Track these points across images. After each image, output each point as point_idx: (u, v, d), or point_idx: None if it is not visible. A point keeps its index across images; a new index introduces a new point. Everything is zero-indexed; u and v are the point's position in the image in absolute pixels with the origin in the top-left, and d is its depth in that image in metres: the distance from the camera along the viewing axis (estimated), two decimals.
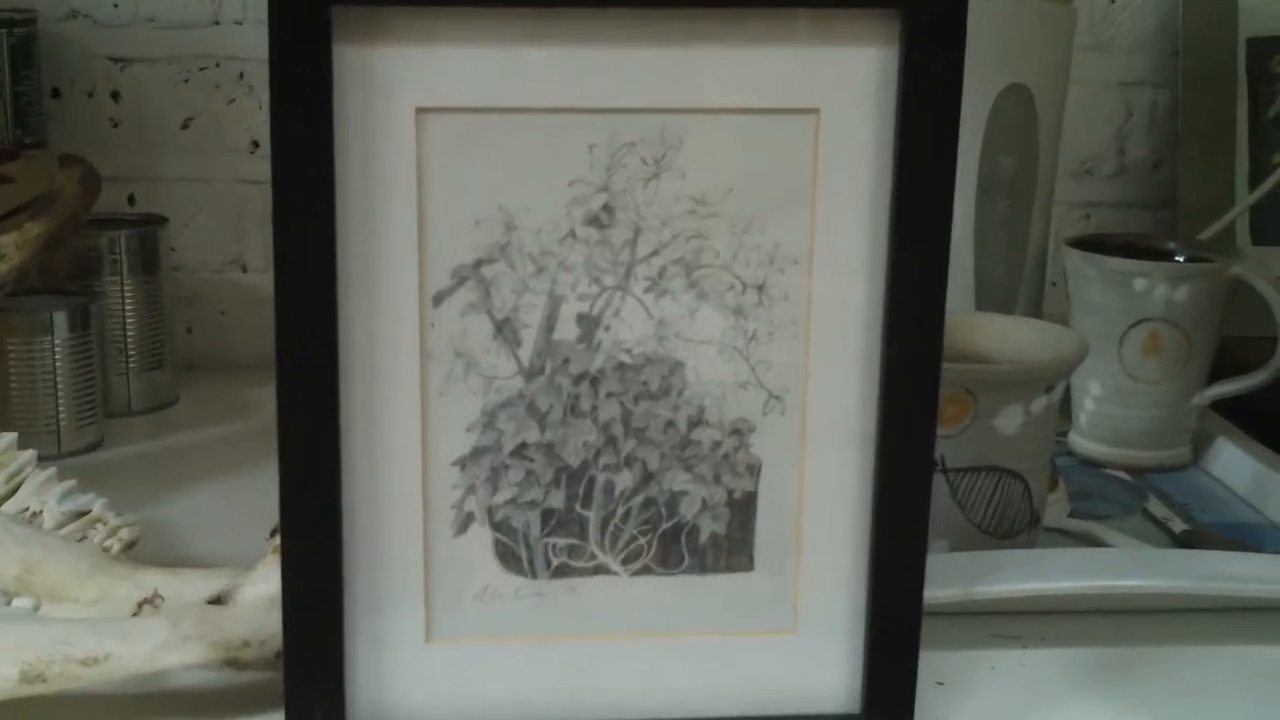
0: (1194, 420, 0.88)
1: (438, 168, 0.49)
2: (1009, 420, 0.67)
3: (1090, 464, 0.89)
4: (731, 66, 0.49)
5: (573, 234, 0.51)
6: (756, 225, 0.51)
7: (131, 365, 1.00)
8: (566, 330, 0.51)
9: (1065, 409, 0.91)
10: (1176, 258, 0.89)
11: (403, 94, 0.49)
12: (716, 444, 0.53)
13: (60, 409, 0.90)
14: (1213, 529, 0.79)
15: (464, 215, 0.50)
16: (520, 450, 0.52)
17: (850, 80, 0.50)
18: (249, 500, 0.78)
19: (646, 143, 0.50)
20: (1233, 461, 0.87)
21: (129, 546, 0.67)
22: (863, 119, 0.50)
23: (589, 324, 0.51)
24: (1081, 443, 0.90)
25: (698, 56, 0.49)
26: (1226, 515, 0.82)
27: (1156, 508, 0.82)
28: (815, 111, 0.50)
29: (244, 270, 1.11)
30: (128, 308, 0.99)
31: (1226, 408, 0.91)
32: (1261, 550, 0.75)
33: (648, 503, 0.53)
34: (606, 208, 0.50)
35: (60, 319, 0.90)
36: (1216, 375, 0.88)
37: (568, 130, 0.50)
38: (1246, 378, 0.87)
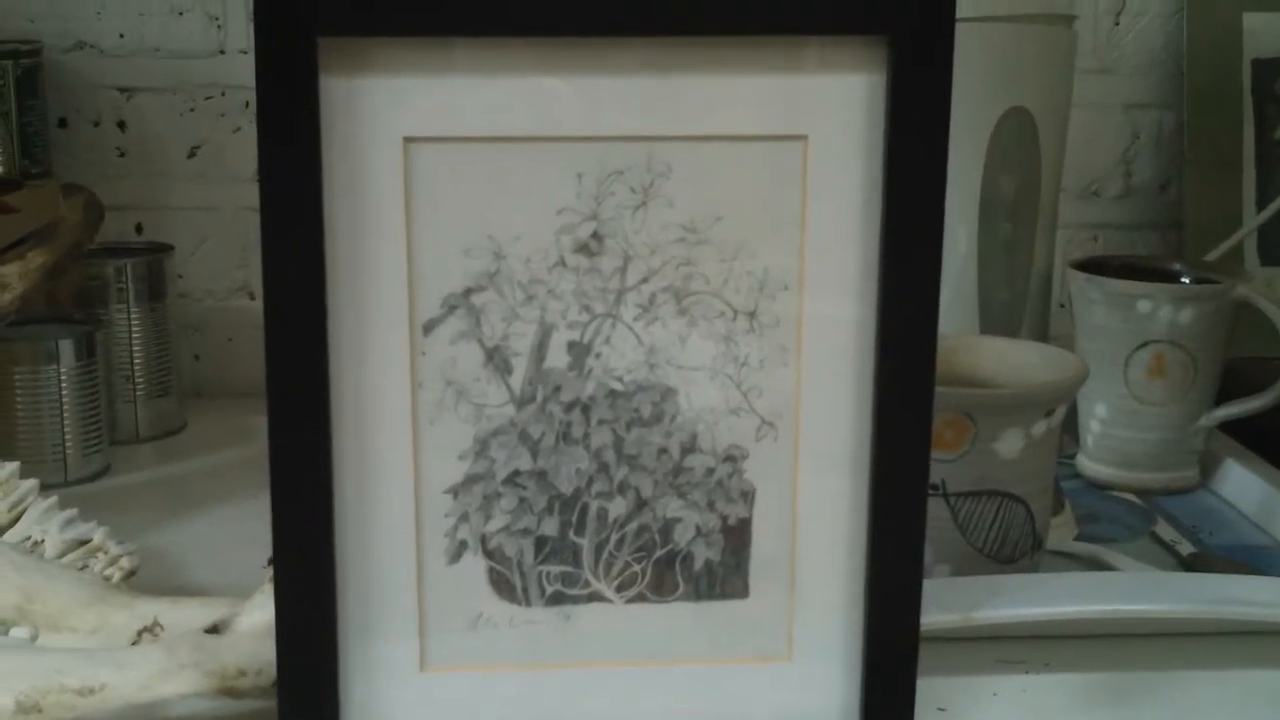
0: (1201, 442, 0.88)
1: (426, 197, 0.49)
2: (1009, 444, 0.67)
3: (1097, 486, 0.88)
4: (718, 94, 0.49)
5: (562, 262, 0.51)
6: (746, 251, 0.51)
7: (138, 393, 1.00)
8: (557, 358, 0.51)
9: (1072, 431, 0.91)
10: (1181, 279, 0.89)
11: (390, 124, 0.49)
12: (710, 470, 0.53)
13: (66, 437, 0.91)
14: (1220, 552, 0.78)
15: (453, 244, 0.50)
16: (513, 478, 0.52)
17: (838, 107, 0.50)
18: (253, 527, 0.78)
19: (634, 171, 0.50)
20: (1241, 483, 0.87)
21: (129, 575, 0.67)
22: (851, 145, 0.50)
23: (580, 351, 0.51)
24: (1088, 465, 0.89)
25: (684, 84, 0.49)
26: (1235, 537, 0.81)
27: (1164, 530, 0.81)
28: (803, 138, 0.50)
29: (251, 297, 1.11)
30: (134, 335, 0.99)
31: (1234, 429, 0.91)
32: (1269, 573, 0.74)
33: (641, 530, 0.53)
34: (595, 236, 0.50)
35: (66, 347, 0.90)
36: (1223, 397, 0.88)
37: (555, 159, 0.50)
38: (1253, 399, 0.87)
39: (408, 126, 0.49)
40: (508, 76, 0.49)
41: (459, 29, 0.48)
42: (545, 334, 0.51)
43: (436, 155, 0.49)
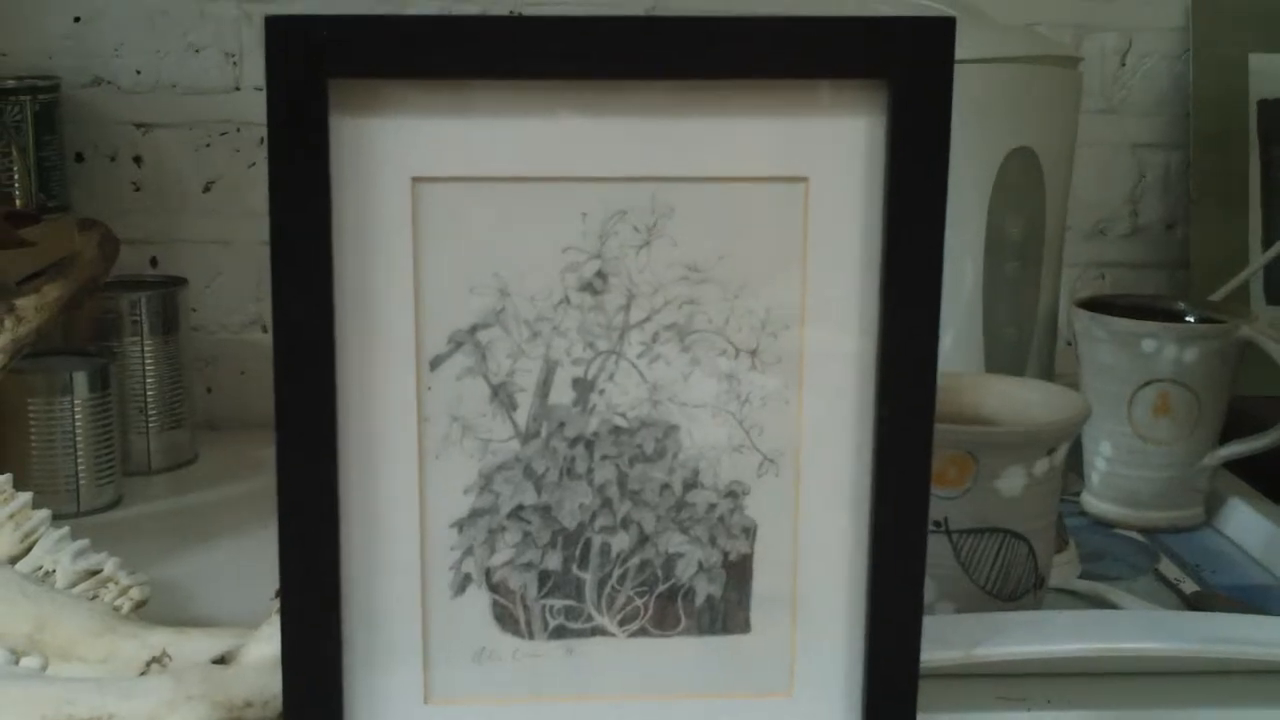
0: (1206, 481, 0.88)
1: (433, 235, 0.50)
2: (1011, 482, 0.68)
3: (1102, 524, 0.89)
4: (721, 136, 0.50)
5: (567, 300, 0.51)
6: (748, 291, 0.52)
7: (151, 424, 1.01)
8: (562, 394, 0.52)
9: (1077, 469, 0.91)
10: (1186, 318, 0.89)
11: (399, 164, 0.50)
12: (712, 506, 0.54)
13: (79, 468, 0.92)
14: (1224, 591, 0.78)
15: (460, 282, 0.51)
16: (517, 512, 0.53)
17: (838, 149, 0.51)
18: (263, 558, 0.78)
19: (638, 211, 0.51)
20: (1245, 522, 0.87)
21: (139, 606, 0.68)
22: (852, 187, 0.51)
23: (584, 388, 0.52)
24: (1093, 503, 0.90)
25: (688, 127, 0.50)
26: (1239, 577, 0.81)
27: (1168, 569, 0.81)
28: (804, 180, 0.51)
29: (264, 330, 1.12)
30: (148, 368, 1.00)
31: (1239, 468, 0.91)
32: (1272, 613, 0.74)
33: (644, 564, 0.54)
34: (600, 274, 0.51)
35: (80, 379, 0.91)
36: (1228, 435, 0.88)
37: (561, 199, 0.50)
38: (1258, 438, 0.87)
39: (416, 166, 0.50)
40: (514, 118, 0.49)
41: (467, 71, 0.48)
42: (550, 370, 0.52)
43: (444, 194, 0.50)
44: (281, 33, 0.47)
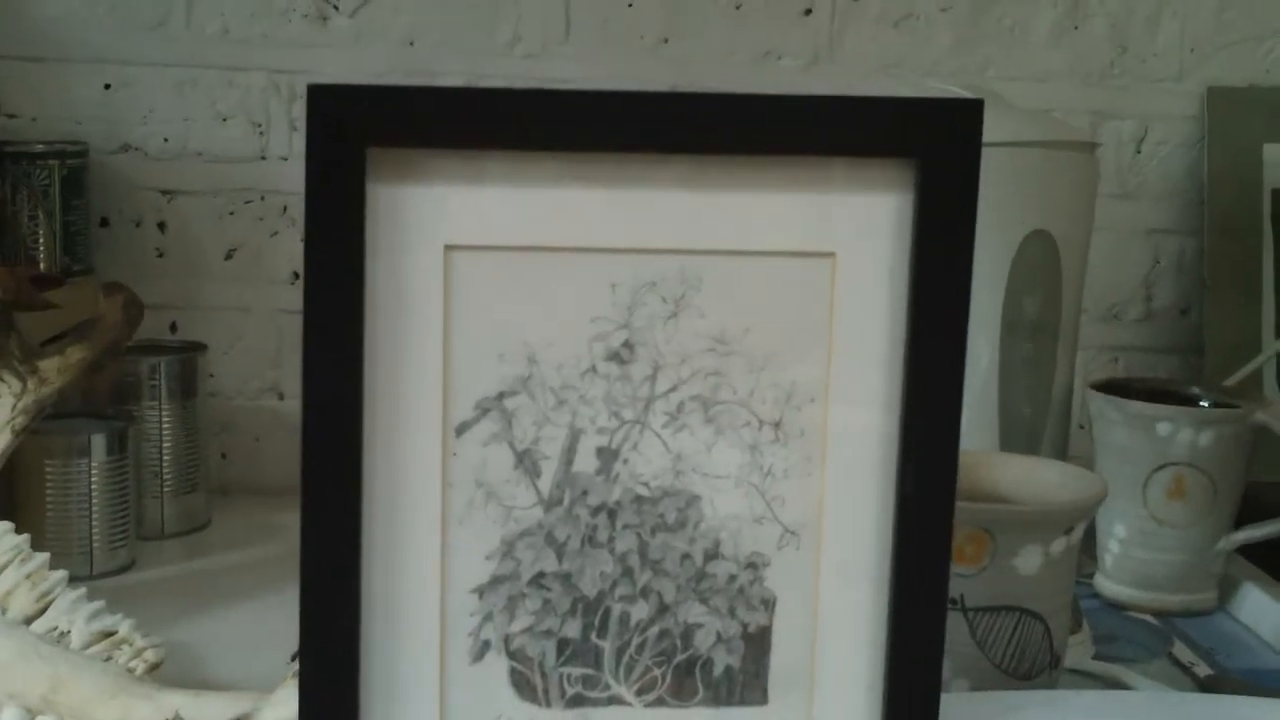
0: (1220, 565, 0.88)
1: (464, 303, 0.51)
2: (1028, 560, 0.68)
3: (1115, 606, 0.89)
4: (751, 210, 0.51)
5: (594, 369, 0.52)
6: (774, 364, 0.52)
7: (166, 489, 1.01)
8: (586, 462, 0.52)
9: (1090, 551, 0.91)
10: (1201, 403, 0.90)
11: (433, 232, 0.50)
12: (732, 577, 0.54)
13: (94, 530, 0.92)
14: (1238, 675, 0.78)
15: (488, 349, 0.51)
16: (538, 579, 0.53)
17: (867, 225, 0.51)
18: (276, 623, 0.79)
19: (667, 282, 0.51)
20: (1259, 607, 0.87)
21: (154, 668, 0.68)
22: (879, 263, 0.52)
23: (608, 456, 0.53)
24: (1107, 585, 0.90)
25: (719, 200, 0.51)
26: (1252, 661, 0.81)
27: (1182, 652, 0.81)
28: (832, 255, 0.52)
29: (280, 398, 1.13)
30: (165, 432, 1.01)
31: (1252, 553, 0.91)
32: None
33: (663, 634, 0.54)
34: (627, 344, 0.52)
35: (98, 442, 0.92)
36: (1243, 520, 0.88)
37: (591, 269, 0.51)
38: (1273, 523, 0.87)
39: (449, 235, 0.50)
40: (547, 189, 0.50)
41: (502, 142, 0.49)
42: (574, 438, 0.52)
43: (476, 263, 0.51)
44: (322, 101, 0.48)
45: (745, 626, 0.54)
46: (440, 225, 0.50)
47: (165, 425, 1.01)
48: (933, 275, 0.51)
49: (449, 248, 0.50)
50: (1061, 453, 0.94)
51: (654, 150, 0.50)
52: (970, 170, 0.50)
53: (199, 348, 1.05)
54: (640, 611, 0.54)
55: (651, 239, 0.51)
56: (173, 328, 1.12)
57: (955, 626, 0.68)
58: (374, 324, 0.50)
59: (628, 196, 0.51)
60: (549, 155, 0.50)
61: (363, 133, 0.49)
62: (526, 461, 0.52)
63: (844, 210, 0.51)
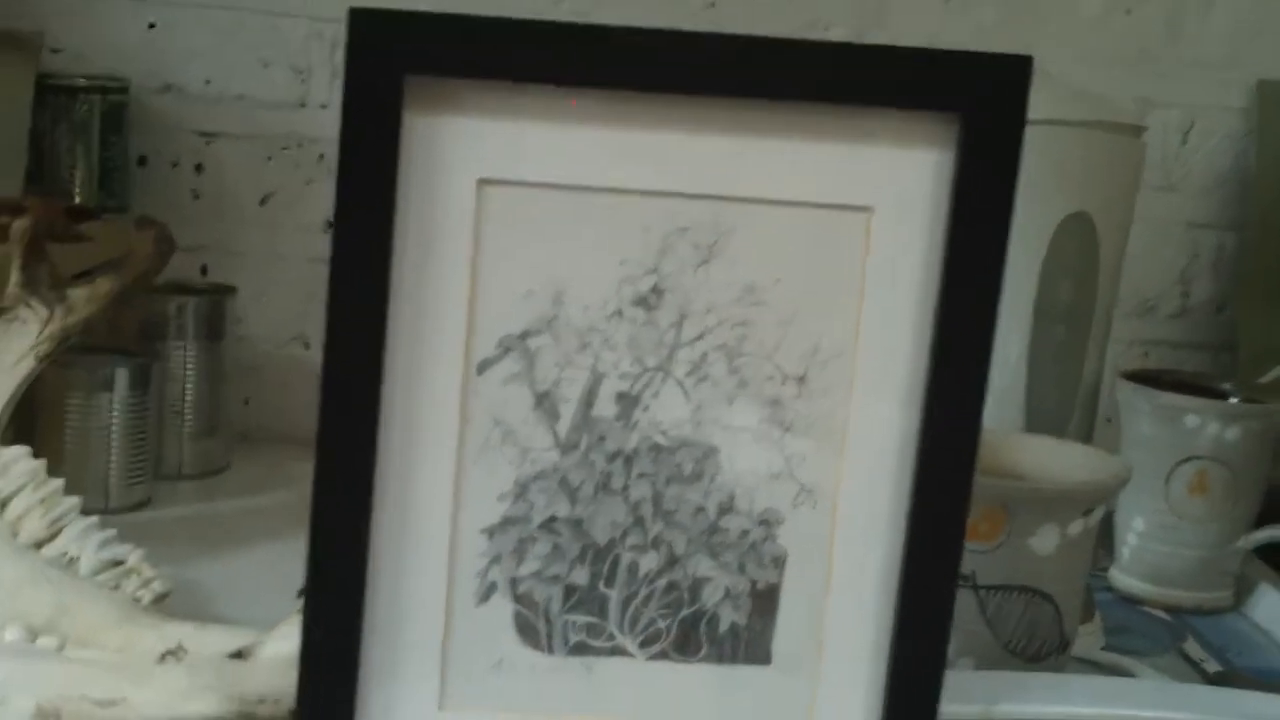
0: (1237, 564, 0.88)
1: (494, 238, 0.51)
2: (1044, 540, 0.67)
3: (1129, 600, 0.88)
4: (788, 160, 0.50)
5: (619, 313, 0.51)
6: (801, 317, 0.52)
7: (186, 429, 1.01)
8: (605, 407, 0.52)
9: (1108, 545, 0.91)
10: (1230, 398, 0.89)
11: (466, 165, 0.50)
12: (744, 533, 0.53)
13: (112, 465, 0.92)
14: (1248, 674, 0.77)
15: (515, 286, 0.51)
16: (549, 523, 0.53)
17: (904, 181, 0.51)
18: (287, 567, 0.78)
19: (699, 228, 0.51)
20: (1273, 609, 0.86)
21: (160, 599, 0.68)
22: (915, 220, 0.51)
23: (628, 403, 0.52)
24: (1122, 578, 0.89)
25: (755, 148, 0.50)
26: (1264, 661, 0.81)
27: (1192, 648, 0.81)
28: (868, 210, 0.51)
29: (306, 346, 1.13)
30: (189, 373, 1.01)
31: (1270, 556, 0.90)
32: None
33: (670, 586, 0.53)
34: (655, 289, 0.51)
35: (121, 377, 0.92)
36: (1263, 521, 0.87)
37: (623, 211, 0.51)
38: None
39: (483, 169, 0.50)
40: (583, 126, 0.50)
41: (543, 76, 0.49)
42: (596, 382, 0.52)
43: (508, 198, 0.50)
44: (363, 25, 0.48)
45: (754, 584, 0.54)
46: (475, 158, 0.50)
47: (189, 366, 1.01)
48: (969, 236, 0.50)
49: (482, 182, 0.50)
50: (1086, 443, 0.93)
51: (693, 93, 0.49)
52: (1015, 129, 0.49)
53: (228, 290, 1.05)
54: (650, 562, 0.53)
55: (686, 184, 0.51)
56: (204, 271, 1.12)
57: (966, 604, 0.67)
58: (402, 254, 0.50)
59: (664, 139, 0.50)
60: (590, 92, 0.49)
61: (401, 59, 0.48)
62: (546, 403, 0.52)
63: (883, 164, 0.50)
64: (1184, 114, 1.12)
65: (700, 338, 0.52)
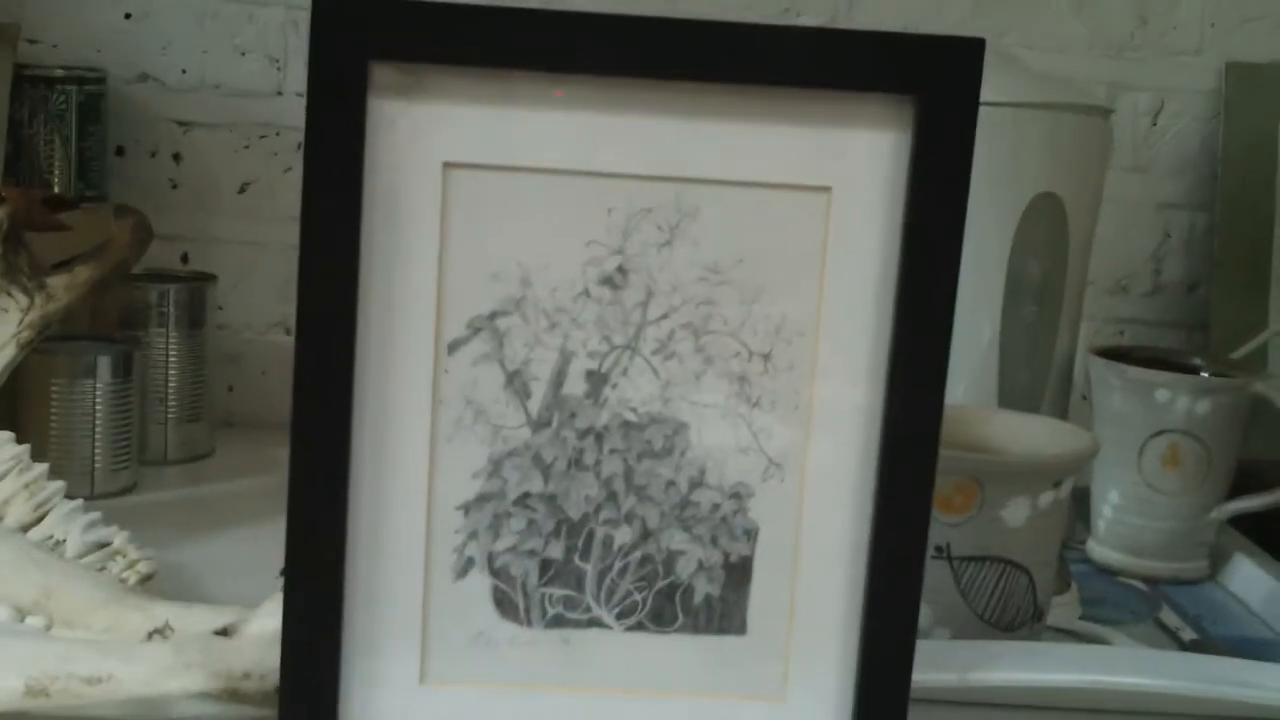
0: (1211, 534, 0.89)
1: (460, 221, 0.51)
2: (1015, 512, 0.68)
3: (1106, 571, 0.89)
4: (748, 141, 0.51)
5: (586, 293, 0.52)
6: (765, 296, 0.53)
7: (170, 416, 1.02)
8: (575, 385, 0.53)
9: (1085, 518, 0.92)
10: (1201, 373, 0.90)
11: (432, 149, 0.51)
12: (715, 506, 0.54)
13: (96, 451, 0.93)
14: (1223, 643, 0.79)
15: (482, 268, 0.52)
16: (523, 499, 0.54)
17: (863, 161, 0.52)
18: (270, 550, 0.79)
19: (662, 210, 0.52)
20: (1249, 577, 0.87)
21: (146, 580, 0.69)
22: (873, 199, 0.52)
23: (597, 381, 0.53)
24: (1098, 550, 0.90)
25: (717, 130, 0.51)
26: (1238, 630, 0.81)
27: (1168, 617, 0.82)
28: (828, 190, 0.52)
29: (288, 333, 1.14)
30: (171, 360, 1.02)
31: (1245, 525, 0.91)
32: None
33: (645, 559, 0.54)
34: (620, 269, 0.52)
35: (104, 364, 0.93)
36: (1236, 493, 0.88)
37: (588, 193, 0.52)
38: (1266, 495, 0.87)
39: (448, 152, 0.51)
40: (547, 110, 0.51)
41: (505, 62, 0.50)
42: (565, 361, 0.53)
43: (474, 181, 0.51)
44: (328, 11, 0.49)
45: (727, 556, 0.55)
46: (440, 142, 0.51)
47: (172, 353, 1.02)
48: (927, 214, 0.51)
49: (448, 165, 0.51)
50: (1060, 419, 0.94)
51: (655, 76, 0.50)
52: (969, 110, 0.50)
53: (209, 278, 1.05)
54: (623, 536, 0.54)
55: (648, 166, 0.51)
56: (184, 259, 1.12)
57: (940, 575, 0.68)
58: (370, 238, 0.51)
59: (626, 122, 0.51)
60: (553, 76, 0.50)
61: (367, 45, 0.49)
62: (516, 382, 0.53)
63: (841, 145, 0.51)
64: (1153, 97, 1.13)
65: (666, 316, 0.53)
